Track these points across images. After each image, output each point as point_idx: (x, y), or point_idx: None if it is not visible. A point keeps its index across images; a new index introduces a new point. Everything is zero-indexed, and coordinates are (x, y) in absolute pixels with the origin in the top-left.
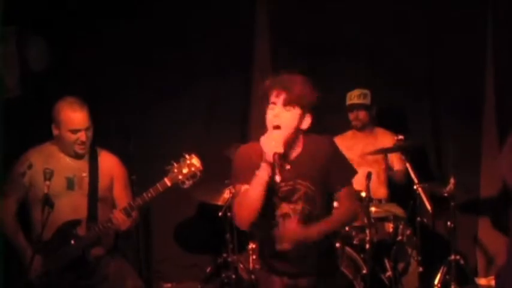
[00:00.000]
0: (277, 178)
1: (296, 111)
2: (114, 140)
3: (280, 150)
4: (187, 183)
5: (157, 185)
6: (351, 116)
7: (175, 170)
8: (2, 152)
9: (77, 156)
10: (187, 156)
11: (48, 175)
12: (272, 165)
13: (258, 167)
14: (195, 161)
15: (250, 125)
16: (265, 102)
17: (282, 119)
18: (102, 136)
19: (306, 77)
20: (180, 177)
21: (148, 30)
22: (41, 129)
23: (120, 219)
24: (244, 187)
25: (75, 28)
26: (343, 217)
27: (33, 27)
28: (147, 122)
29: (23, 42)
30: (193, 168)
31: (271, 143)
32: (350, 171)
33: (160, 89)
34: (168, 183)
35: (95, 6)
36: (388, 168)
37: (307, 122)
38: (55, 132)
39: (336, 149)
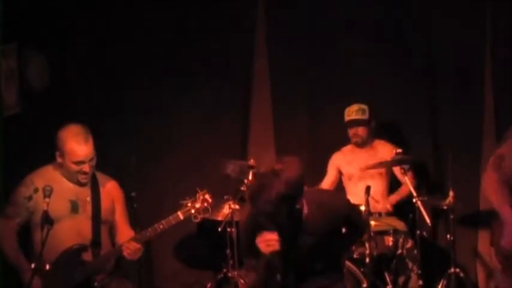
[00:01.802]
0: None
1: None
2: (114, 157)
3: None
4: (199, 217)
5: (170, 218)
6: (351, 132)
7: (189, 205)
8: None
9: (79, 184)
10: (200, 192)
11: (48, 192)
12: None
13: None
14: (208, 196)
15: (250, 138)
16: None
17: None
18: (102, 152)
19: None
20: (193, 211)
21: (144, 41)
22: (41, 147)
23: (133, 248)
24: None
25: (75, 44)
26: None
27: (33, 43)
28: (144, 138)
29: (23, 59)
30: (205, 204)
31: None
32: None
33: (159, 103)
34: (181, 217)
35: (93, 18)
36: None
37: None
38: (58, 159)
39: None
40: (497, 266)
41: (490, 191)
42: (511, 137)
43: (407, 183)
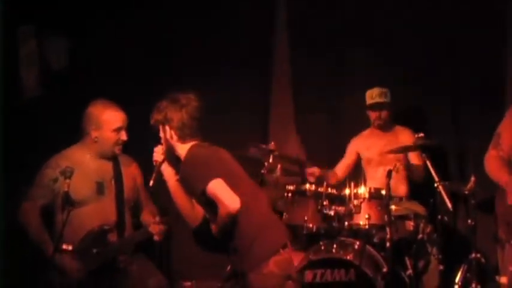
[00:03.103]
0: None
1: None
2: (135, 140)
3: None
4: None
5: None
6: (373, 115)
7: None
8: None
9: (109, 157)
10: None
11: (69, 174)
12: None
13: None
14: None
15: (270, 122)
16: None
17: None
18: None
19: None
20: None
21: (167, 26)
22: (61, 129)
23: (159, 229)
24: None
25: (94, 26)
26: None
27: (52, 26)
28: None
29: (43, 42)
30: None
31: None
32: None
33: (179, 86)
34: None
35: (113, 1)
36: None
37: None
38: (94, 134)
39: None
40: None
41: (490, 167)
42: (509, 115)
43: (429, 167)
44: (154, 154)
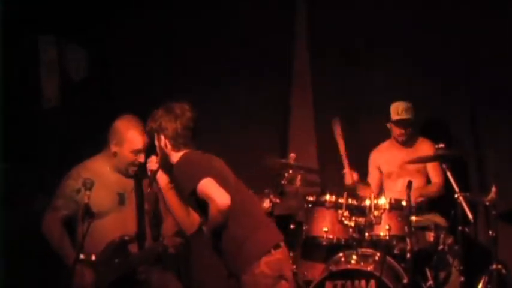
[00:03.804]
0: None
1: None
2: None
3: None
4: None
5: None
6: (397, 131)
7: None
8: None
9: (127, 176)
10: (268, 194)
11: (89, 185)
12: None
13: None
14: (276, 198)
15: (289, 131)
16: None
17: None
18: None
19: None
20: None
21: (185, 34)
22: (81, 139)
23: (175, 243)
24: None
25: (114, 36)
26: None
27: (72, 36)
28: None
29: (63, 51)
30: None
31: None
32: None
33: (199, 95)
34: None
35: (132, 10)
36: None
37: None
38: (114, 148)
39: None
40: None
41: None
42: None
43: (449, 177)
44: (149, 163)
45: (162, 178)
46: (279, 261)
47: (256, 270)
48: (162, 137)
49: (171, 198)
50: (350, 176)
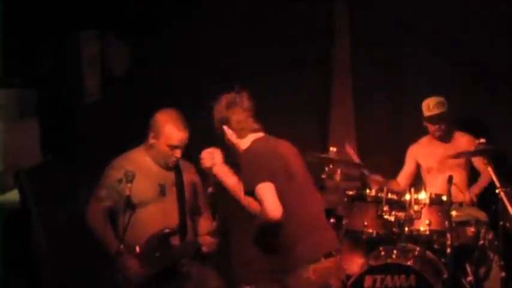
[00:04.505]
0: None
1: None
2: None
3: None
4: None
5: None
6: (432, 127)
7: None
8: None
9: (166, 168)
10: None
11: (130, 177)
12: None
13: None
14: None
15: (329, 125)
16: None
17: None
18: None
19: None
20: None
21: (226, 28)
22: (122, 133)
23: (209, 243)
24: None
25: (157, 32)
26: None
27: (115, 31)
28: None
29: (104, 46)
30: None
31: None
32: None
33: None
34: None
35: (174, 7)
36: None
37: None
38: (151, 140)
39: None
40: None
41: None
42: None
43: (490, 173)
44: (202, 161)
45: (223, 171)
46: (328, 269)
47: (302, 275)
48: (227, 128)
49: (235, 188)
50: (375, 182)
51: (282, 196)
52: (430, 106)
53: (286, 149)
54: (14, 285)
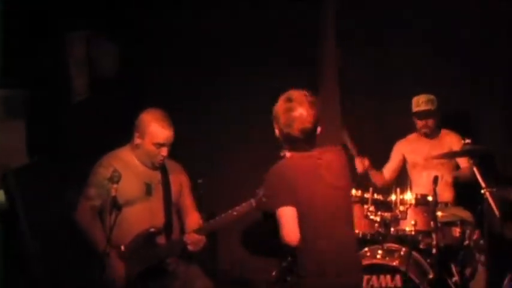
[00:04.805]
0: None
1: None
2: (182, 143)
3: None
4: None
5: (243, 205)
6: (419, 123)
7: (261, 193)
8: None
9: (153, 168)
10: None
11: (116, 178)
12: None
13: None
14: None
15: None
16: None
17: None
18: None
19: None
20: (264, 199)
21: (214, 29)
22: (110, 132)
23: (195, 240)
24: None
25: (144, 32)
26: None
27: (103, 31)
28: (211, 124)
29: (93, 46)
30: None
31: None
32: None
33: (225, 89)
34: (254, 204)
35: (163, 6)
36: (455, 167)
37: None
38: (137, 140)
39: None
40: None
41: None
42: None
43: (476, 173)
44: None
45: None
46: None
47: None
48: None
49: None
50: (361, 164)
51: (301, 222)
52: (419, 102)
53: (321, 170)
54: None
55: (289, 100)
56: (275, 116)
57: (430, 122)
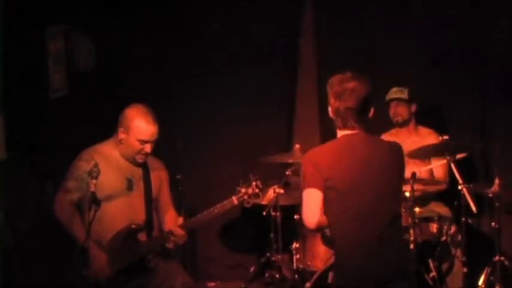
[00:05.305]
0: None
1: None
2: (161, 140)
3: None
4: (251, 203)
5: (225, 202)
6: (391, 111)
7: (243, 190)
8: None
9: (135, 164)
10: (253, 179)
11: (95, 174)
12: None
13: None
14: (259, 183)
15: (295, 124)
16: None
17: None
18: None
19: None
20: (246, 197)
21: (192, 23)
22: (88, 127)
23: (178, 235)
24: (312, 191)
25: (122, 26)
26: None
27: (80, 26)
28: (190, 120)
29: (70, 41)
30: (257, 190)
31: None
32: None
33: (204, 86)
34: (235, 202)
35: (140, 2)
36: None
37: None
38: (121, 135)
39: None
40: None
41: None
42: None
43: (453, 169)
44: None
45: None
46: None
47: None
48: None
49: None
50: None
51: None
52: (390, 92)
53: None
54: None
55: (345, 73)
56: (329, 88)
57: (400, 109)
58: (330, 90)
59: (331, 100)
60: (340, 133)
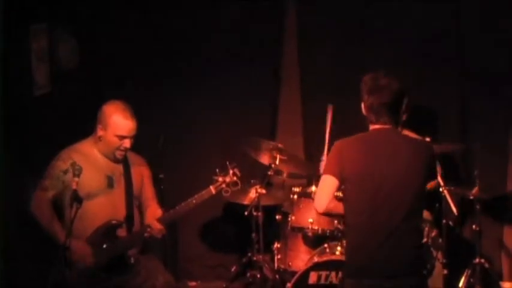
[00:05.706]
0: None
1: None
2: (142, 138)
3: None
4: (229, 191)
5: (203, 192)
6: None
7: (220, 179)
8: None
9: (114, 161)
10: (230, 166)
11: (77, 171)
12: None
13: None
14: (237, 170)
15: (278, 123)
16: None
17: None
18: None
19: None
20: (224, 186)
21: (175, 22)
22: (71, 125)
23: (155, 229)
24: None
25: (104, 24)
26: None
27: (63, 24)
28: (172, 119)
29: (53, 39)
30: (235, 178)
31: None
32: None
33: (187, 84)
34: (213, 191)
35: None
36: None
37: None
38: (100, 132)
39: None
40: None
41: None
42: None
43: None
44: None
45: None
46: None
47: None
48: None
49: None
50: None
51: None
52: None
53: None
54: None
55: (378, 72)
56: (363, 85)
57: None
58: (364, 87)
59: (365, 97)
60: (372, 127)
